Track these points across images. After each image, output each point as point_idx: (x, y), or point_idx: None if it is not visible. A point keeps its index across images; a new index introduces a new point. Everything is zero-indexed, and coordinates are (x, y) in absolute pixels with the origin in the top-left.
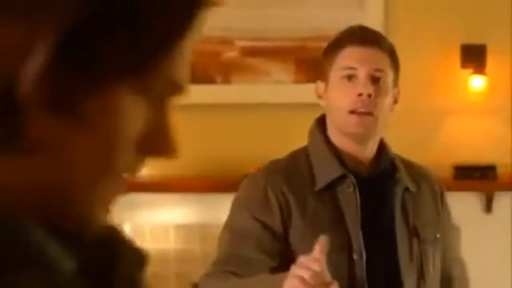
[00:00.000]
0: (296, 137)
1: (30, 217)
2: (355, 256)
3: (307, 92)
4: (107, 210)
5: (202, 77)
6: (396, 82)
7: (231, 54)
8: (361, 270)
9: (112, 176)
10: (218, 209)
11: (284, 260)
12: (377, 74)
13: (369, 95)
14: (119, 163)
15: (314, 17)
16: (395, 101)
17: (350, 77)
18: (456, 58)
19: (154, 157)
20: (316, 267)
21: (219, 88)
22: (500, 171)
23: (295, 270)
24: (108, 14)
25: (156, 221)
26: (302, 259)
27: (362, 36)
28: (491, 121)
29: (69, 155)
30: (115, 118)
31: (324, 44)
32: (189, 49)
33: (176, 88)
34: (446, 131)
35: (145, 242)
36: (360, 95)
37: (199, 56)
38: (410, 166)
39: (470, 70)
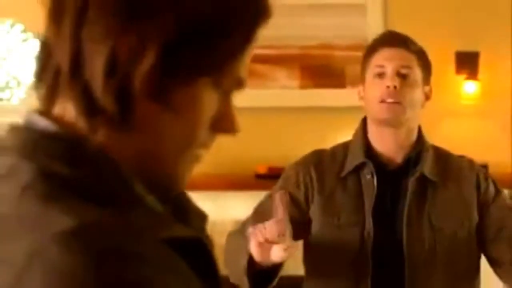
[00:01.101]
0: (302, 138)
1: (134, 176)
2: (365, 234)
3: (312, 97)
4: (188, 174)
5: None
6: (427, 81)
7: None
8: (368, 247)
9: (192, 149)
10: (229, 206)
11: (304, 228)
12: (403, 71)
13: (395, 87)
14: (198, 139)
15: (319, 26)
16: (427, 98)
17: (380, 75)
18: (450, 65)
19: (222, 134)
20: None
21: None
22: (492, 170)
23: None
24: (198, 27)
25: None
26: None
27: (390, 39)
28: (483, 123)
29: (163, 132)
30: (197, 105)
31: (328, 52)
32: (250, 52)
33: (240, 84)
34: (441, 133)
35: None
36: (388, 87)
37: None
38: (446, 158)
39: (463, 76)
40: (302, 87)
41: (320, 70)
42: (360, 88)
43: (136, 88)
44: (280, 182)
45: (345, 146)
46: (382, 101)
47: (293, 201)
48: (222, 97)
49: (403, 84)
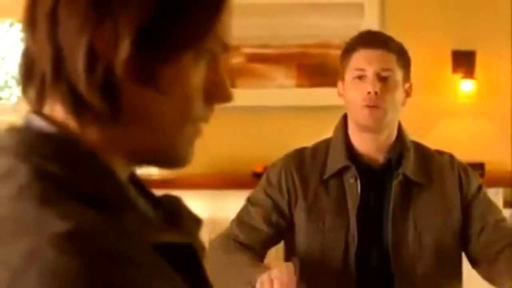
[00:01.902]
0: (298, 137)
1: (125, 175)
2: (349, 238)
3: (308, 96)
4: (191, 149)
5: None
6: (407, 78)
7: (237, 60)
8: (353, 250)
9: (190, 124)
10: (226, 205)
11: (287, 234)
12: (384, 73)
13: (376, 92)
14: (193, 113)
15: (315, 25)
16: (408, 95)
17: (360, 77)
18: (447, 63)
19: (217, 104)
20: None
21: None
22: (488, 168)
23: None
24: (170, 7)
25: None
26: (274, 275)
27: (370, 40)
28: (480, 122)
29: (156, 115)
30: (185, 81)
31: (325, 51)
32: (229, 15)
33: (225, 46)
34: (438, 131)
35: None
36: (369, 93)
37: None
38: (428, 157)
39: (460, 75)
40: (299, 86)
41: (317, 69)
42: (340, 85)
43: (120, 77)
44: (263, 184)
45: (327, 144)
46: (363, 106)
47: (277, 208)
48: (210, 66)
49: (384, 88)
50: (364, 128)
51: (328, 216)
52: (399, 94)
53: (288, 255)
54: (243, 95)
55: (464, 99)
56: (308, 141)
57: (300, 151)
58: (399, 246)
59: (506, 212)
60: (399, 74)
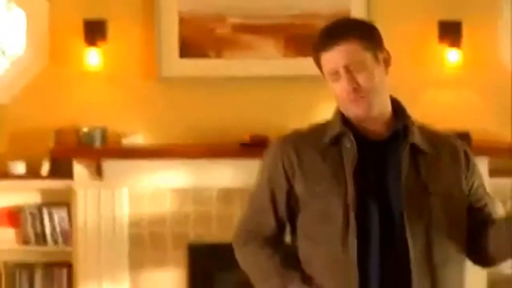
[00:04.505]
0: (286, 107)
1: None
2: (348, 202)
3: (295, 65)
4: None
5: (196, 52)
6: (380, 51)
7: (224, 30)
8: (352, 214)
9: None
10: (211, 174)
11: (293, 210)
12: (353, 67)
13: (355, 87)
14: None
15: None
16: (388, 64)
17: (336, 78)
18: (433, 34)
19: None
20: None
21: (213, 62)
22: (474, 137)
23: None
24: None
25: (153, 186)
26: None
27: (328, 40)
28: (465, 91)
29: None
30: None
31: (311, 22)
32: None
33: None
34: (424, 101)
35: (143, 205)
36: (347, 90)
37: (194, 32)
38: (430, 132)
39: (446, 45)
40: (286, 56)
41: (305, 40)
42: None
43: None
44: (262, 170)
45: (324, 124)
46: (348, 101)
47: (280, 190)
48: None
49: (361, 79)
50: (355, 118)
51: (325, 180)
52: (378, 72)
53: (293, 234)
54: (230, 66)
55: (450, 69)
56: (295, 110)
57: (295, 131)
58: (412, 211)
59: (491, 181)
60: (369, 57)
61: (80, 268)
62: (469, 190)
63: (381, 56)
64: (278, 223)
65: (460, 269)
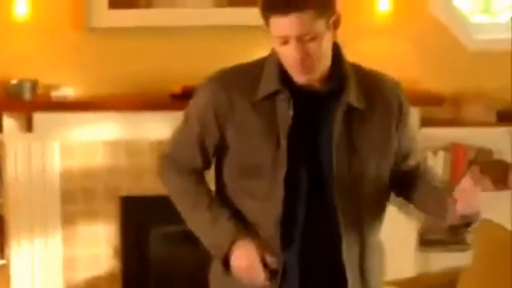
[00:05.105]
0: (217, 57)
1: None
2: (279, 160)
3: (226, 15)
4: None
5: (125, 1)
6: (331, 15)
7: None
8: (282, 171)
9: None
10: (143, 126)
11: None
12: (307, 37)
13: (303, 58)
14: None
15: None
16: (337, 26)
17: (284, 42)
18: None
19: None
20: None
21: (142, 12)
22: (404, 86)
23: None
24: None
25: (85, 138)
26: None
27: (282, 3)
28: (395, 41)
29: None
30: None
31: None
32: None
33: None
34: (354, 51)
35: (75, 158)
36: (296, 59)
37: None
38: (366, 79)
39: None
40: (217, 5)
41: None
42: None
43: None
44: (191, 108)
45: (261, 65)
46: (295, 69)
47: (207, 131)
48: None
49: (311, 48)
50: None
51: (256, 137)
52: (326, 41)
53: (219, 172)
54: (160, 15)
55: (380, 18)
56: (226, 60)
57: (228, 71)
58: (343, 171)
59: (423, 131)
60: (322, 25)
61: (11, 221)
62: (399, 142)
63: (332, 19)
64: (204, 159)
65: (381, 223)
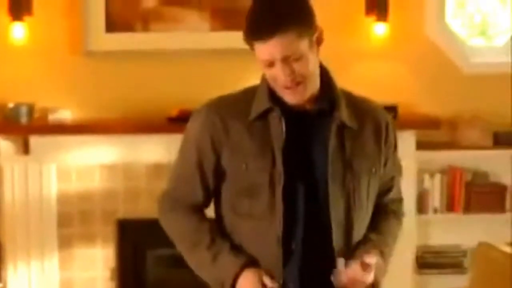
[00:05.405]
0: (213, 80)
1: None
2: (275, 177)
3: (222, 39)
4: None
5: (122, 26)
6: (313, 32)
7: (151, 4)
8: (279, 188)
9: None
10: (140, 149)
11: (220, 179)
12: (291, 58)
13: (292, 79)
14: None
15: None
16: (320, 42)
17: (270, 65)
18: (360, 7)
19: None
20: None
21: (139, 36)
22: (401, 110)
23: None
24: None
25: (81, 162)
26: None
27: (262, 30)
28: (392, 64)
29: None
30: None
31: None
32: None
33: None
34: (351, 74)
35: (71, 181)
36: (284, 80)
37: (120, 5)
38: (356, 103)
39: (373, 18)
40: (213, 29)
41: (232, 13)
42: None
43: None
44: (187, 137)
45: (253, 91)
46: (283, 88)
47: (205, 160)
48: None
49: (296, 67)
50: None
51: (251, 157)
52: (312, 56)
53: (217, 202)
54: (157, 39)
55: (377, 42)
56: (223, 84)
57: (222, 98)
58: (337, 186)
59: (419, 154)
60: (305, 44)
61: (8, 244)
62: (384, 162)
63: (315, 36)
64: (205, 192)
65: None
